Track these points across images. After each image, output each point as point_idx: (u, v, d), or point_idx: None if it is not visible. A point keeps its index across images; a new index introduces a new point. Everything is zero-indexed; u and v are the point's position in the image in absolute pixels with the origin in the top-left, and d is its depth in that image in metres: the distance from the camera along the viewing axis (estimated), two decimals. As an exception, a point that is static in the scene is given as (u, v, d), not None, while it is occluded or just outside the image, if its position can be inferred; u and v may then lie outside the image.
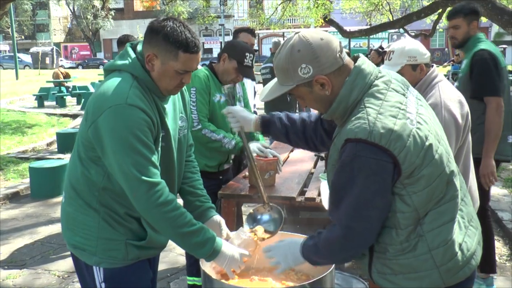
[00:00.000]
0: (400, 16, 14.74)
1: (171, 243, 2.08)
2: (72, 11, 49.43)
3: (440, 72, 2.87)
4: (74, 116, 13.30)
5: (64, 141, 8.71)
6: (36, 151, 9.28)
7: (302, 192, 3.18)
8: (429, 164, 1.57)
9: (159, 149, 1.92)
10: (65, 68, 21.49)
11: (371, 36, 25.33)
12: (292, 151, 4.27)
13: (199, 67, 3.44)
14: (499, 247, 4.54)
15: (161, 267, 4.09)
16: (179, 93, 2.12)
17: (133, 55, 1.91)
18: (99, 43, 51.64)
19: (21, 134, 10.63)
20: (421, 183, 1.57)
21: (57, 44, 50.76)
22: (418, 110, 1.66)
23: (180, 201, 1.99)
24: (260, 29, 25.94)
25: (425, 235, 1.62)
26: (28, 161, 7.94)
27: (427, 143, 1.58)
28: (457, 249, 1.64)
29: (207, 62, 3.50)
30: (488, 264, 3.61)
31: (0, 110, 13.60)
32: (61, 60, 40.95)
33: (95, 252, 1.93)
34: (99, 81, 17.38)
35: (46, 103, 16.18)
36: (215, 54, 41.15)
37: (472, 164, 2.77)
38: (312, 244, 1.76)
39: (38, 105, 15.72)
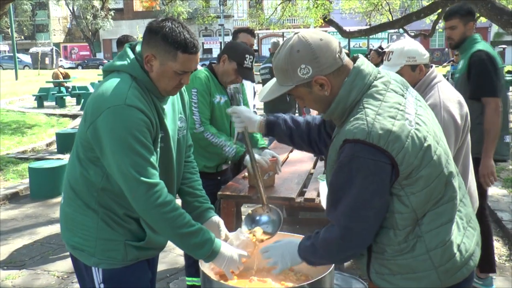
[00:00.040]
0: (400, 16, 14.75)
1: (170, 244, 2.08)
2: (72, 11, 49.41)
3: (439, 72, 2.87)
4: (73, 117, 13.30)
5: (64, 142, 8.72)
6: (36, 151, 9.28)
7: (301, 193, 3.18)
8: (427, 165, 1.57)
9: (158, 149, 1.92)
10: (64, 68, 21.48)
11: (370, 36, 25.28)
12: (291, 151, 4.27)
13: (199, 67, 3.44)
14: (499, 247, 4.54)
15: (160, 267, 4.11)
16: (178, 93, 2.12)
17: (132, 55, 1.91)
18: (98, 43, 51.63)
19: (21, 135, 10.63)
20: (419, 184, 1.57)
21: (57, 44, 50.74)
22: (417, 111, 1.66)
23: (178, 201, 1.99)
24: (259, 29, 25.94)
25: (423, 236, 1.62)
26: (28, 162, 7.94)
27: (425, 144, 1.58)
28: (455, 250, 1.64)
29: (207, 62, 3.50)
30: (487, 264, 3.61)
31: (-1, 110, 13.61)
32: (60, 60, 40.89)
33: (94, 253, 1.93)
34: (99, 81, 17.37)
35: (45, 103, 16.19)
36: (214, 54, 41.16)
37: (471, 164, 2.77)
38: (309, 245, 1.76)
39: (37, 105, 15.72)
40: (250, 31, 4.49)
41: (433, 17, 15.14)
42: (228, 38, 29.04)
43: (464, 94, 2.95)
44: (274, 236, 2.10)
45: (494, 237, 4.74)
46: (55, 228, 5.25)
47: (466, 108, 2.65)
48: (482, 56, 3.41)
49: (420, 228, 1.62)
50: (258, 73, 6.81)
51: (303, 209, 3.74)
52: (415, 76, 2.67)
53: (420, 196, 1.58)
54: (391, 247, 1.64)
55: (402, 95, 1.68)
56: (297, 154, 4.18)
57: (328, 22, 14.60)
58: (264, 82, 6.51)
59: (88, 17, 47.48)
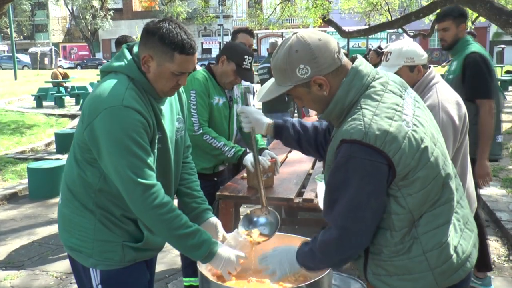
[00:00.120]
0: (399, 16, 14.73)
1: (169, 244, 2.08)
2: (71, 11, 49.35)
3: (438, 72, 2.87)
4: (72, 117, 13.29)
5: (63, 142, 8.71)
6: (35, 151, 9.27)
7: (300, 193, 3.18)
8: (424, 167, 1.57)
9: (155, 151, 1.92)
10: (63, 68, 21.46)
11: (369, 36, 25.31)
12: (290, 152, 4.27)
13: (198, 67, 3.43)
14: (498, 248, 4.54)
15: (159, 268, 4.11)
16: (176, 94, 2.12)
17: (129, 56, 1.91)
18: (98, 43, 51.60)
19: (20, 135, 10.62)
20: (416, 185, 1.57)
21: (56, 44, 50.70)
22: (415, 112, 1.66)
23: (175, 202, 1.98)
24: (258, 29, 25.94)
25: (419, 237, 1.62)
26: (27, 162, 7.94)
27: (422, 146, 1.58)
28: (452, 251, 1.64)
29: (206, 63, 3.49)
30: (483, 263, 3.63)
31: (-2, 111, 13.60)
32: (59, 60, 40.89)
33: (91, 254, 1.93)
34: (98, 81, 17.36)
35: (44, 103, 16.18)
36: (214, 54, 41.17)
37: (469, 165, 2.77)
38: (307, 250, 1.76)
39: (36, 105, 15.70)
40: (249, 32, 4.48)
41: (432, 17, 15.12)
42: (227, 38, 29.04)
43: (460, 95, 2.96)
44: (271, 239, 2.10)
45: (493, 237, 4.76)
46: (54, 229, 5.24)
47: (464, 109, 2.65)
48: (477, 58, 3.47)
49: (416, 229, 1.62)
50: (257, 73, 6.80)
51: (301, 209, 3.74)
52: (413, 76, 2.67)
53: (416, 197, 1.58)
54: (388, 248, 1.64)
55: (400, 96, 1.68)
56: (296, 154, 4.18)
57: (327, 22, 14.60)
58: (262, 82, 6.50)
59: (87, 17, 47.45)
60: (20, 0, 45.45)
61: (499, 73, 22.88)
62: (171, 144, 2.03)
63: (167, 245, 2.14)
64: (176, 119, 2.10)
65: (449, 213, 1.66)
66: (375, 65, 2.52)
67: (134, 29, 36.78)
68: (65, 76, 17.75)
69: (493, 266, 4.14)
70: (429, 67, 2.75)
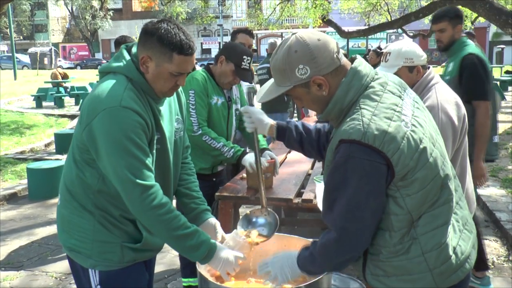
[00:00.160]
0: (399, 17, 14.74)
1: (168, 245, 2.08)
2: (71, 11, 49.34)
3: (438, 72, 2.88)
4: (72, 117, 13.28)
5: (62, 142, 8.71)
6: (34, 152, 9.27)
7: (299, 194, 3.18)
8: (423, 167, 1.57)
9: (154, 151, 1.92)
10: (63, 68, 21.44)
11: (369, 37, 25.30)
12: (289, 152, 4.27)
13: (198, 67, 3.43)
14: (497, 248, 4.54)
15: (158, 268, 4.10)
16: (175, 94, 2.11)
17: (127, 57, 1.91)
18: (97, 44, 51.59)
19: (19, 135, 10.62)
20: (414, 186, 1.57)
21: (56, 45, 50.69)
22: (414, 113, 1.66)
23: (174, 202, 1.98)
24: (258, 30, 25.94)
25: (418, 238, 1.62)
26: (26, 162, 7.93)
27: (421, 146, 1.58)
28: (451, 252, 1.64)
29: (206, 63, 3.49)
30: (481, 261, 3.64)
31: (-2, 111, 13.59)
32: (59, 61, 40.87)
33: (90, 255, 1.93)
34: (97, 81, 17.37)
35: (44, 103, 16.17)
36: (213, 54, 41.12)
37: (468, 166, 2.77)
38: (308, 255, 1.75)
39: (36, 105, 15.69)
40: (248, 32, 4.48)
41: (432, 17, 15.14)
42: (227, 38, 29.01)
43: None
44: (270, 239, 2.10)
45: (493, 238, 4.76)
46: (53, 229, 5.24)
47: (463, 110, 2.66)
48: (474, 59, 3.48)
49: (415, 230, 1.62)
50: (256, 73, 6.80)
51: (301, 209, 3.74)
52: (413, 77, 2.67)
53: (415, 198, 1.58)
54: (387, 248, 1.64)
55: (399, 97, 1.68)
56: (295, 155, 4.18)
57: (327, 22, 14.61)
58: (261, 82, 6.51)
59: (87, 17, 47.44)
60: (20, 0, 45.44)
61: (499, 73, 22.90)
62: (170, 144, 2.03)
63: (166, 245, 2.14)
64: (175, 119, 2.10)
65: (448, 214, 1.66)
66: (375, 66, 2.52)
67: (134, 29, 36.80)
68: (65, 76, 17.74)
69: (493, 266, 4.15)
70: (428, 67, 2.75)
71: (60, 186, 2.02)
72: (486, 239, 4.66)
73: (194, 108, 3.14)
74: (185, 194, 2.21)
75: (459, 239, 1.69)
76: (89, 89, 17.44)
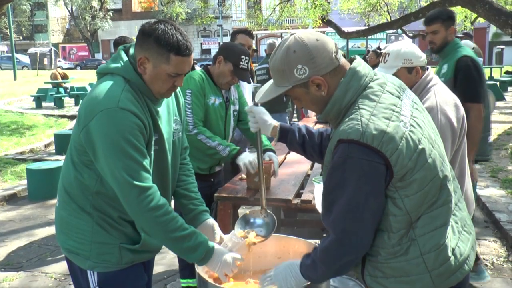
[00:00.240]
0: (398, 17, 14.75)
1: (166, 246, 2.08)
2: (70, 11, 49.35)
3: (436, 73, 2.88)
4: (72, 117, 13.26)
5: (62, 143, 8.72)
6: (34, 152, 9.27)
7: (298, 194, 3.18)
8: (421, 168, 1.57)
9: (152, 152, 1.91)
10: (63, 69, 21.53)
11: (369, 37, 25.29)
12: (289, 153, 4.27)
13: (197, 67, 3.42)
14: (497, 248, 4.54)
15: (157, 269, 4.10)
16: (173, 95, 2.11)
17: (125, 58, 1.90)
18: (97, 44, 51.58)
19: (19, 135, 10.62)
20: (413, 187, 1.57)
21: (55, 45, 50.66)
22: (413, 114, 1.66)
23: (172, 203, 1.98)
24: (258, 30, 25.94)
25: (417, 239, 1.61)
26: (26, 163, 7.94)
27: (420, 147, 1.58)
28: (449, 253, 1.63)
29: (205, 63, 3.49)
30: None
31: (-2, 111, 13.59)
32: (59, 61, 40.85)
33: (89, 256, 1.93)
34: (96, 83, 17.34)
35: (44, 104, 16.17)
36: (213, 55, 41.05)
37: (467, 167, 2.77)
38: (310, 263, 1.73)
39: (36, 106, 15.69)
40: (248, 32, 4.48)
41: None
42: (227, 39, 29.00)
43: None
44: (268, 240, 2.09)
45: (492, 238, 4.76)
46: (53, 230, 5.23)
47: (462, 111, 2.65)
48: (468, 62, 3.52)
49: (414, 231, 1.61)
50: (255, 74, 6.80)
51: (300, 210, 3.74)
52: (412, 78, 2.67)
53: (414, 199, 1.58)
54: (385, 250, 1.63)
55: (398, 97, 1.68)
56: (294, 155, 4.17)
57: (327, 22, 14.62)
58: (261, 82, 6.50)
59: (86, 17, 47.45)
60: (19, 1, 45.45)
61: (499, 73, 22.89)
62: (168, 145, 2.02)
63: (165, 246, 2.14)
64: (173, 120, 2.10)
65: (447, 215, 1.66)
66: (374, 66, 2.51)
67: (134, 30, 36.78)
68: (65, 77, 17.75)
69: (492, 267, 4.15)
70: (427, 68, 2.75)
71: (59, 188, 2.02)
72: (486, 239, 4.66)
73: (190, 108, 3.13)
74: (183, 195, 2.20)
75: (458, 240, 1.68)
76: (89, 90, 17.38)
